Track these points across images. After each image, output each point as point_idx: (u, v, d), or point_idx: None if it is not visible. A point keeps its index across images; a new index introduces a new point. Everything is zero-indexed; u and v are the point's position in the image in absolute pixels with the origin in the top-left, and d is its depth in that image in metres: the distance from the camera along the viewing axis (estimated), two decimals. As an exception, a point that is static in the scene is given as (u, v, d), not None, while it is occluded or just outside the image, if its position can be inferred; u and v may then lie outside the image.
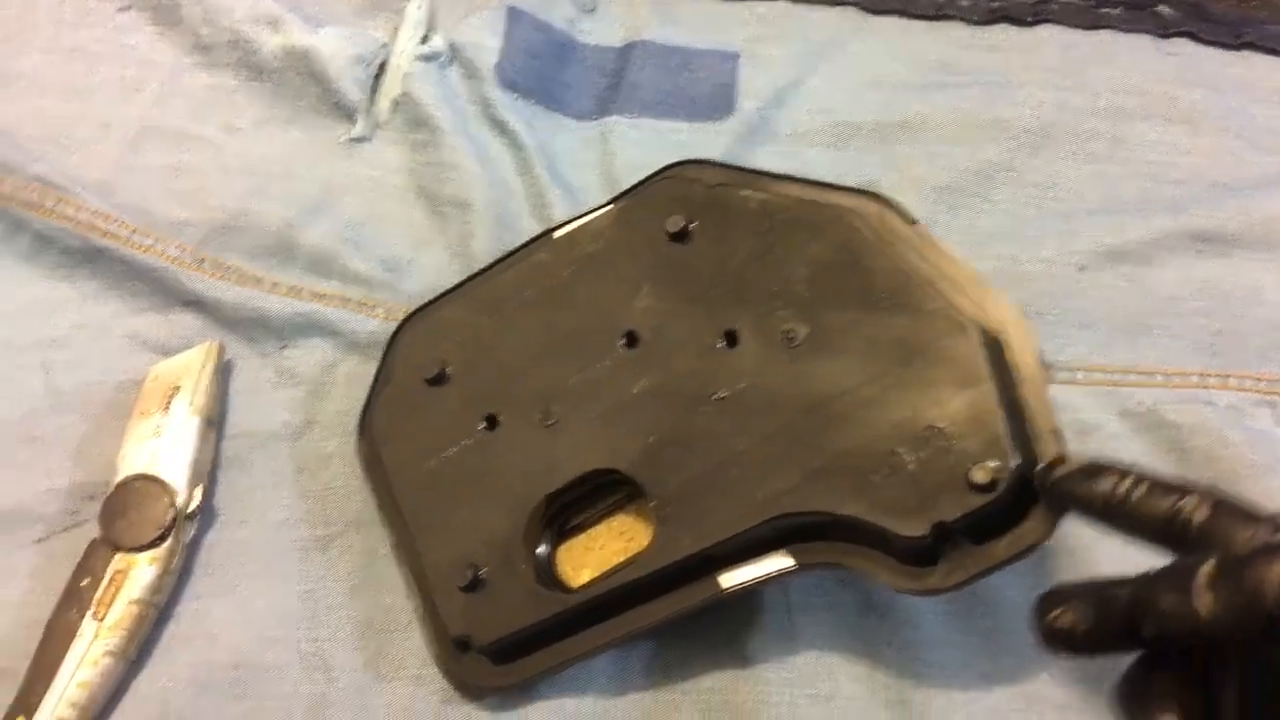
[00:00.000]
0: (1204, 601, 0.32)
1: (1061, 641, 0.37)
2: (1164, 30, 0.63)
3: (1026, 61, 0.62)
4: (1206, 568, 0.33)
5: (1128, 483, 0.38)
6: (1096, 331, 0.55)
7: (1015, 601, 0.50)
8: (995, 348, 0.43)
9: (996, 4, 0.63)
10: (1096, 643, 0.36)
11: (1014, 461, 0.41)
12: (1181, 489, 0.37)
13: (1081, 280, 0.56)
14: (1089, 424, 0.53)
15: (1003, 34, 0.63)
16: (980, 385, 0.42)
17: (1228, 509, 0.36)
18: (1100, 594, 0.37)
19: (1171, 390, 0.53)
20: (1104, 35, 0.62)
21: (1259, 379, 0.54)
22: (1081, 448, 0.52)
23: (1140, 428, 0.53)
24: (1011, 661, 0.49)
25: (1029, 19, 0.63)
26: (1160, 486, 0.37)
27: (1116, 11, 0.63)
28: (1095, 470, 0.39)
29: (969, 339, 0.43)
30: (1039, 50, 0.62)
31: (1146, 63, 0.62)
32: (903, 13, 0.64)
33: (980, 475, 0.41)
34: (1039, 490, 0.41)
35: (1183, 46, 0.63)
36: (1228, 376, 0.54)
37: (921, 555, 0.43)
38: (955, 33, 0.63)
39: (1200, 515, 0.36)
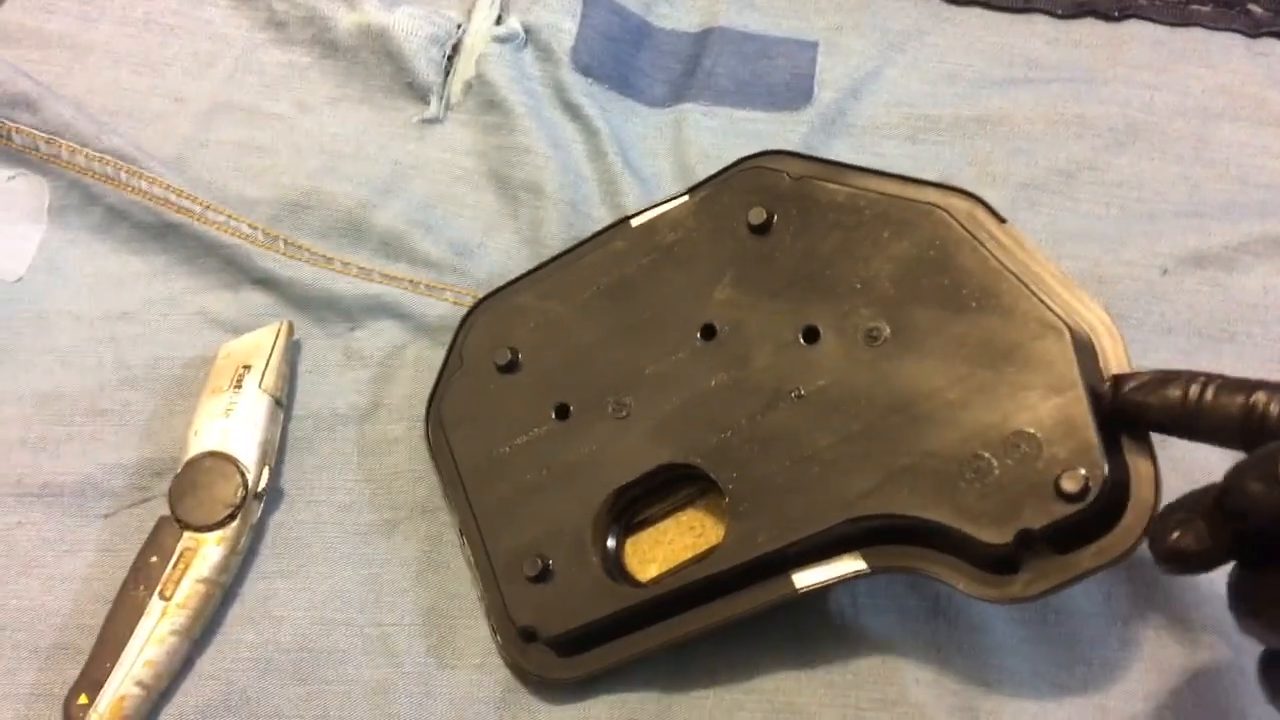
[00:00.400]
0: None
1: (1179, 563, 0.37)
2: (1255, 29, 0.61)
3: (1113, 57, 0.60)
4: None
5: (1198, 385, 0.39)
6: (1178, 337, 0.54)
7: (1088, 610, 0.49)
8: (1087, 351, 0.42)
9: (1082, -2, 0.62)
10: (1210, 558, 0.37)
11: (1105, 469, 0.40)
12: (1252, 385, 0.37)
13: (1164, 284, 0.54)
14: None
15: (1088, 28, 0.62)
16: (1072, 390, 0.41)
17: None
18: (1206, 504, 0.37)
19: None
20: (1193, 33, 0.61)
21: (1348, 391, 0.52)
22: (1162, 454, 0.51)
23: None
24: (1084, 671, 0.48)
25: (1115, 14, 0.61)
26: (1231, 384, 0.38)
27: (1206, 9, 0.61)
28: (1166, 378, 0.40)
29: (1062, 342, 0.42)
30: (1125, 46, 0.61)
31: (1236, 62, 0.60)
32: (985, 5, 0.62)
33: (1070, 483, 0.40)
34: (1111, 408, 0.41)
35: (1274, 46, 0.61)
36: (1314, 387, 0.52)
37: (1002, 563, 0.42)
38: (1039, 26, 0.62)
39: (1275, 407, 0.36)
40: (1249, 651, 0.47)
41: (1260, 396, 0.37)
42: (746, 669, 0.48)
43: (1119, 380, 0.41)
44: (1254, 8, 0.62)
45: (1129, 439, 0.41)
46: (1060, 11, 0.62)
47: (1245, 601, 0.37)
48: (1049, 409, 0.41)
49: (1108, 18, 0.61)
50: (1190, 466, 0.51)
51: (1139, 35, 0.61)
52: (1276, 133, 0.58)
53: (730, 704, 0.48)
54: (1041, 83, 0.60)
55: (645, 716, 0.47)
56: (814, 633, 0.48)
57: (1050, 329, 0.42)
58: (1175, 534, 0.37)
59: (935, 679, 0.48)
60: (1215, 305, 0.54)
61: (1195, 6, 0.61)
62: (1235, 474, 0.36)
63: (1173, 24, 0.61)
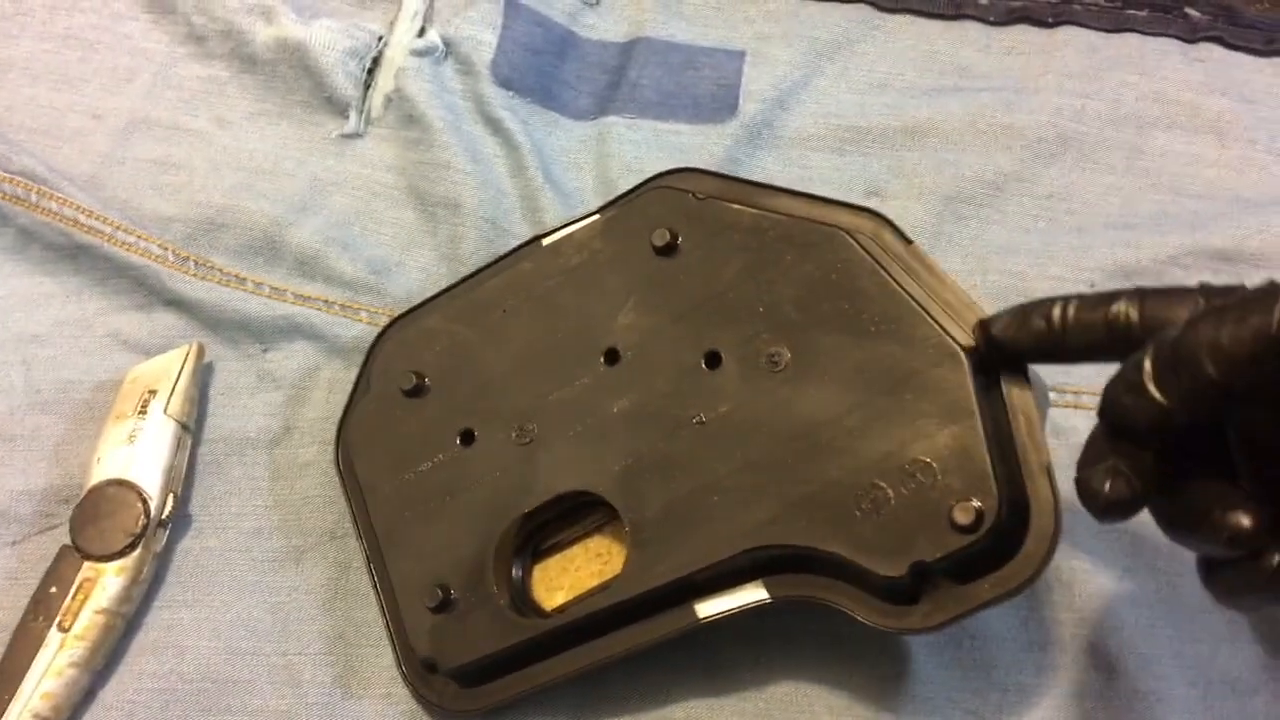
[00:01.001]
0: (1157, 392, 0.33)
1: (1119, 514, 0.36)
2: (1192, 34, 0.60)
3: (1045, 65, 0.59)
4: (1147, 359, 0.33)
5: (1059, 308, 0.38)
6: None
7: (1004, 635, 0.48)
8: (987, 378, 0.41)
9: (1017, 3, 0.60)
10: (1145, 496, 0.36)
11: (999, 501, 0.39)
12: (1111, 295, 0.37)
13: (1092, 298, 0.53)
14: (1092, 450, 0.51)
15: (1021, 35, 0.60)
16: (968, 419, 0.40)
17: (1155, 297, 0.36)
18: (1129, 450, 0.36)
19: (1181, 418, 0.51)
20: (1128, 39, 0.60)
21: (1276, 408, 0.51)
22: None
23: (1146, 454, 0.51)
24: (999, 698, 0.47)
25: (1050, 20, 0.60)
26: (1091, 300, 0.38)
27: (1143, 14, 0.60)
28: (1027, 310, 0.39)
29: (958, 368, 0.41)
30: (1059, 53, 0.59)
31: (1171, 69, 0.59)
32: (918, 11, 0.61)
33: (962, 515, 0.39)
34: (983, 353, 0.41)
35: (1211, 52, 0.60)
36: (1242, 404, 0.51)
37: (901, 594, 0.41)
38: (971, 33, 0.61)
39: (1134, 313, 0.36)
40: (1169, 679, 0.47)
41: (1121, 306, 0.37)
42: (657, 697, 0.47)
43: (984, 325, 0.41)
44: (1192, 11, 0.60)
45: (1028, 466, 0.40)
46: (993, 18, 0.60)
47: (1172, 519, 0.37)
48: (945, 437, 0.40)
49: (1041, 24, 0.60)
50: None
51: (1073, 42, 0.60)
52: (1211, 141, 0.57)
53: (639, 733, 0.47)
54: (971, 91, 0.59)
55: (553, 747, 0.47)
56: (726, 659, 0.48)
57: (947, 355, 0.41)
58: (1106, 486, 0.36)
59: (848, 706, 0.47)
60: (1144, 320, 0.53)
61: (1131, 11, 0.60)
62: (1107, 390, 0.35)
63: (1108, 30, 0.60)
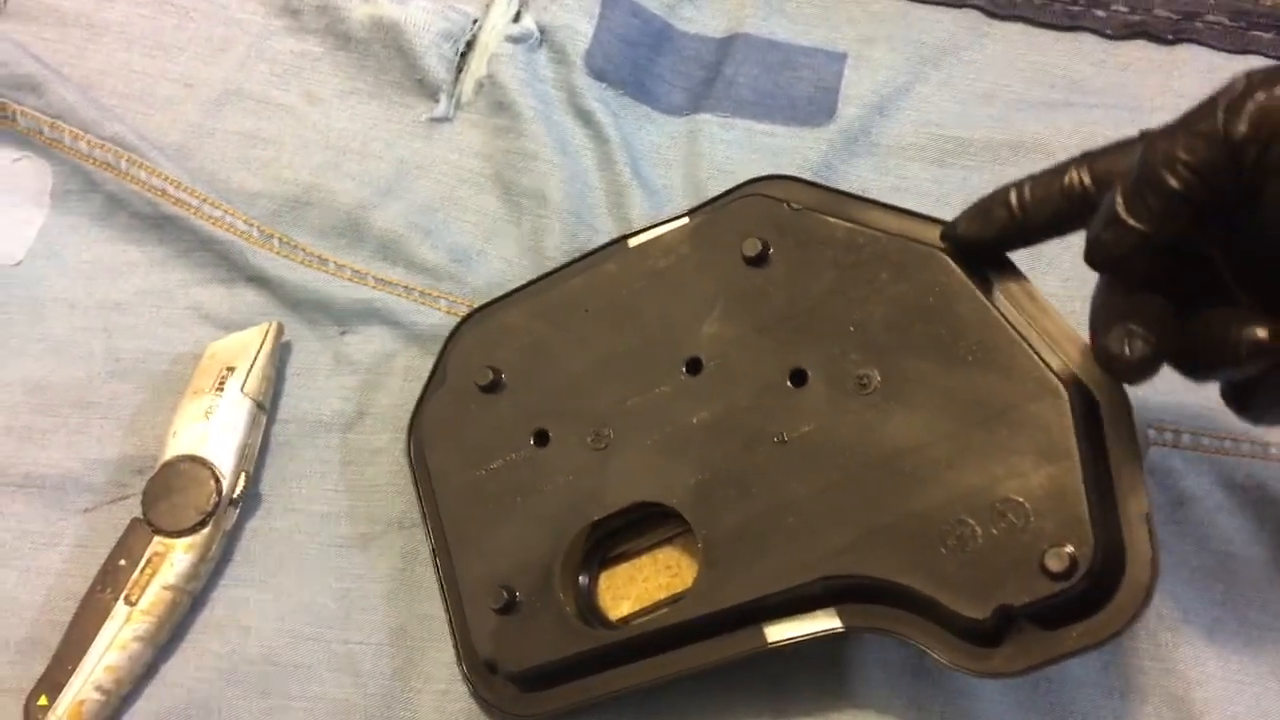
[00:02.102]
0: (1132, 219, 0.34)
1: (1144, 371, 0.37)
2: (1321, 58, 0.57)
3: (1162, 84, 0.56)
4: (1118, 194, 0.35)
5: (1013, 193, 0.39)
6: (1209, 392, 0.50)
7: (1083, 680, 0.46)
8: (1088, 417, 0.40)
9: (1135, 18, 0.58)
10: (1164, 349, 0.37)
11: (1094, 548, 0.37)
12: (1060, 167, 0.38)
13: (1197, 333, 0.51)
14: (1188, 493, 0.49)
15: (1139, 51, 0.58)
16: (1067, 459, 0.38)
17: (1101, 155, 0.38)
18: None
19: (1286, 465, 0.49)
20: (1251, 61, 0.57)
21: (1390, 463, 0.49)
22: (1175, 517, 0.48)
23: (1246, 503, 0.49)
24: (1074, 745, 0.45)
25: (1169, 36, 0.57)
26: (1041, 178, 0.39)
27: (1268, 35, 0.57)
28: (983, 204, 0.40)
29: (1059, 406, 0.39)
30: (1177, 72, 0.57)
31: (1297, 94, 0.56)
32: (1030, 20, 0.59)
33: (1055, 561, 0.37)
34: (952, 253, 0.41)
35: (1340, 78, 0.56)
36: (1354, 458, 0.49)
37: (983, 635, 0.39)
38: (1086, 46, 0.58)
39: (1085, 176, 0.38)
40: (1251, 735, 0.45)
41: (1072, 173, 0.38)
42: (718, 716, 0.47)
43: (948, 231, 0.42)
44: (1321, 34, 0.57)
45: (1127, 513, 0.39)
46: (1109, 32, 0.58)
47: (1192, 357, 0.38)
48: (1040, 478, 0.38)
49: (1160, 40, 0.57)
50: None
51: (1192, 61, 0.57)
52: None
53: (699, 751, 0.46)
54: (1084, 107, 0.56)
55: (609, 758, 0.46)
56: (792, 684, 0.47)
57: (1048, 391, 0.39)
58: (1126, 349, 0.36)
59: (913, 742, 0.45)
60: (1251, 358, 0.51)
61: (1256, 33, 0.57)
62: (1089, 233, 0.36)
63: (1230, 51, 0.57)
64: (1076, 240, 0.53)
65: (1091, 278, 0.52)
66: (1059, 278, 0.53)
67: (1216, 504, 0.49)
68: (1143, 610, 0.38)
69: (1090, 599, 0.38)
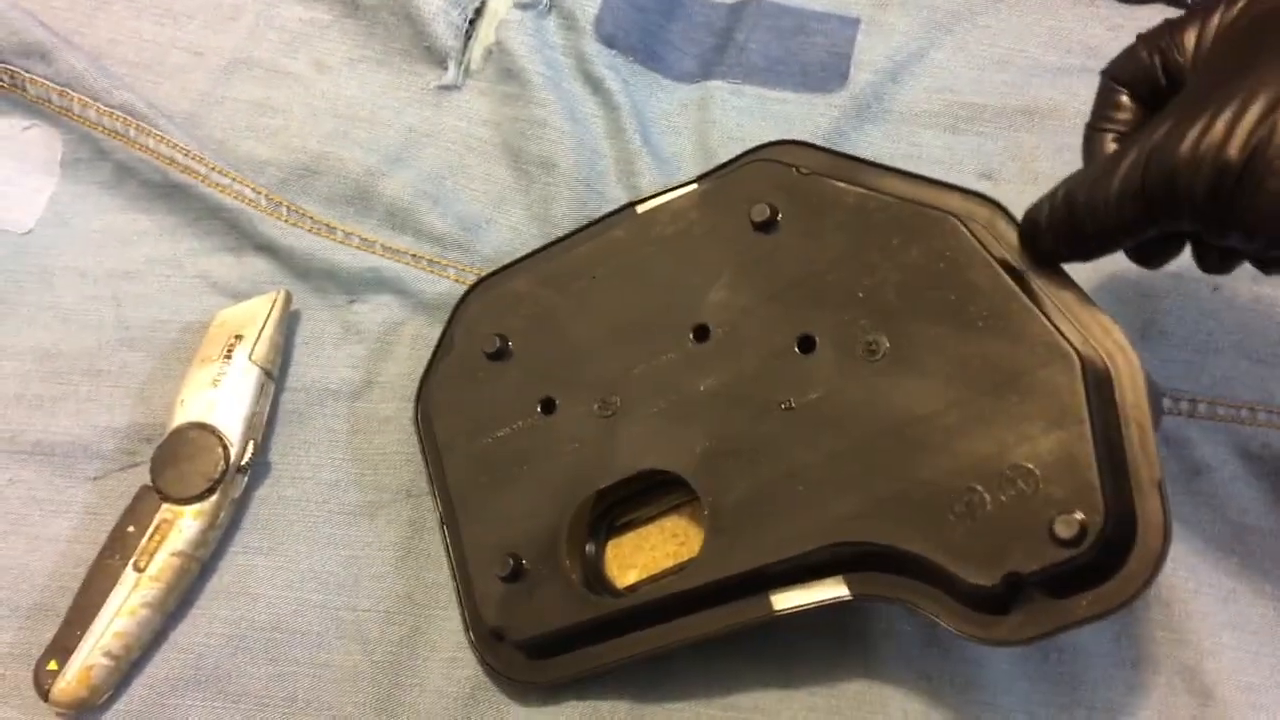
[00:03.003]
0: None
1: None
2: (1344, 22, 0.55)
3: (1181, 49, 0.55)
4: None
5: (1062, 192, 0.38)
6: (1224, 359, 0.50)
7: (1095, 650, 0.46)
8: (1100, 382, 0.39)
9: (1155, -20, 0.57)
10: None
11: (1104, 515, 0.37)
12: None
13: (1214, 300, 0.50)
14: (1203, 462, 0.48)
15: (1156, 14, 0.56)
16: (1078, 425, 0.38)
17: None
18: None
19: (1302, 435, 0.48)
20: (1273, 24, 0.55)
21: (1407, 429, 0.48)
22: (1190, 488, 0.48)
23: (1261, 472, 0.48)
24: (1085, 716, 0.45)
25: (1189, 1, 0.56)
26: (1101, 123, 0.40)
27: (1291, -2, 0.56)
28: (1035, 213, 0.40)
29: (1070, 371, 0.38)
30: (1197, 37, 0.56)
31: (1319, 58, 0.55)
32: (1046, -16, 0.58)
33: (1064, 528, 0.37)
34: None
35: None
36: (1371, 424, 0.48)
37: (992, 604, 0.39)
38: (1102, 10, 0.57)
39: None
40: (1270, 711, 0.44)
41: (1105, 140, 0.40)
42: (725, 683, 0.46)
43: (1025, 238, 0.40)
44: (1346, -2, 0.56)
45: (1139, 480, 0.38)
46: (1129, -5, 0.57)
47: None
48: (1050, 444, 0.38)
49: (1179, 4, 0.56)
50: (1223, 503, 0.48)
51: (1213, 25, 0.56)
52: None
53: (706, 719, 0.46)
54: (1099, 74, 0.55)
55: (616, 725, 0.46)
56: (799, 650, 0.47)
57: (1059, 356, 0.38)
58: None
59: (924, 711, 0.45)
60: (1269, 326, 0.50)
61: (1279, -5, 0.56)
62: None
63: (1252, 14, 0.56)
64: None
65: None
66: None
67: (1232, 473, 0.48)
68: (1153, 578, 0.37)
69: (1100, 567, 0.38)
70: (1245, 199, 0.33)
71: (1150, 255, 0.40)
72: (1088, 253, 0.38)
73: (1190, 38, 0.38)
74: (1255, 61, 0.34)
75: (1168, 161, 0.34)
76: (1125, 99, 0.40)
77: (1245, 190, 0.33)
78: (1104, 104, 0.40)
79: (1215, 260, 0.39)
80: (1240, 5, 0.37)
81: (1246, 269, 0.50)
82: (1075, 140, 0.53)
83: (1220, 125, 0.33)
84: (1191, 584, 0.46)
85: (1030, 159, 0.54)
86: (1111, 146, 0.39)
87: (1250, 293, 0.50)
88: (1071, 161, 0.53)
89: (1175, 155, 0.34)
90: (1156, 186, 0.35)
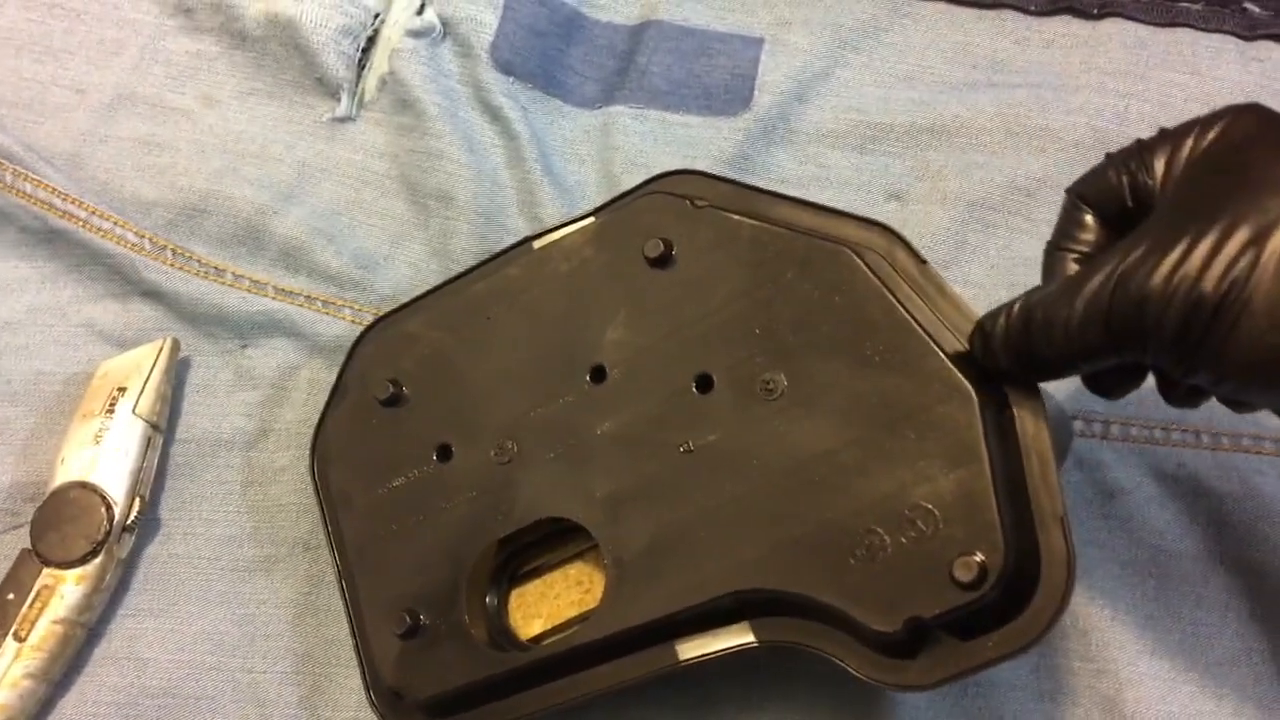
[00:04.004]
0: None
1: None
2: (1250, 31, 0.55)
3: (1087, 61, 0.55)
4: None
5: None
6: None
7: (1013, 683, 0.45)
8: (1000, 416, 0.38)
9: (1060, -8, 0.56)
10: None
11: (1005, 555, 0.36)
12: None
13: (1125, 318, 0.49)
14: (1117, 486, 0.47)
15: (1063, 27, 0.56)
16: (975, 463, 0.37)
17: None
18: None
19: (1217, 454, 0.47)
20: (1179, 34, 0.55)
21: (1323, 447, 0.48)
22: (1105, 511, 0.47)
23: (1176, 494, 0.47)
24: (1003, 750, 0.44)
25: (1095, 10, 0.56)
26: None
27: (1196, 7, 0.55)
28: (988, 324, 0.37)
29: (967, 408, 0.37)
30: (1102, 48, 0.55)
31: (1225, 68, 0.54)
32: (951, -1, 0.57)
33: (964, 571, 0.36)
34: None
35: (1270, 51, 0.55)
36: (1286, 441, 0.48)
37: (897, 647, 0.38)
38: (1009, 24, 0.56)
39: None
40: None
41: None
42: (639, 732, 0.45)
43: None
44: (1250, 6, 0.56)
45: (1041, 514, 0.37)
46: (1034, 8, 0.56)
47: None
48: (949, 483, 0.37)
49: (1085, 15, 0.56)
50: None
51: (1118, 36, 0.55)
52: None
53: (622, 771, 0.45)
54: (1006, 88, 0.54)
55: (525, 783, 0.44)
56: (714, 697, 0.46)
57: (956, 393, 0.37)
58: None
59: (839, 752, 0.44)
60: (1180, 342, 0.49)
61: (1184, 4, 0.55)
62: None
63: (1157, 24, 0.55)
64: (1001, 226, 0.52)
65: (1016, 266, 0.51)
66: (984, 266, 0.51)
67: (1147, 496, 0.47)
68: (1059, 615, 0.36)
69: (1005, 606, 0.37)
70: (1217, 338, 0.31)
71: (1109, 385, 0.38)
72: (1040, 374, 0.37)
73: (1161, 161, 0.36)
74: (1233, 192, 0.32)
75: (1137, 290, 0.32)
76: (1090, 219, 0.38)
77: (1218, 329, 0.31)
78: (1068, 222, 0.38)
79: (1182, 396, 0.38)
80: (1216, 131, 0.35)
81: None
82: (981, 158, 0.53)
83: (1196, 257, 0.31)
84: (1109, 611, 0.45)
85: (939, 178, 0.53)
86: (1073, 267, 0.37)
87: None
88: (980, 179, 0.52)
89: (1146, 284, 0.32)
90: (1123, 315, 0.33)
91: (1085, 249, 0.38)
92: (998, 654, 0.36)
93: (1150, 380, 0.48)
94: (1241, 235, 0.31)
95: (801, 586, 0.38)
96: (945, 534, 0.36)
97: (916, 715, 0.44)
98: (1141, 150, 0.36)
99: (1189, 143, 0.35)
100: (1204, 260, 0.31)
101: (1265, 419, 0.47)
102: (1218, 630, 0.45)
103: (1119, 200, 0.37)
